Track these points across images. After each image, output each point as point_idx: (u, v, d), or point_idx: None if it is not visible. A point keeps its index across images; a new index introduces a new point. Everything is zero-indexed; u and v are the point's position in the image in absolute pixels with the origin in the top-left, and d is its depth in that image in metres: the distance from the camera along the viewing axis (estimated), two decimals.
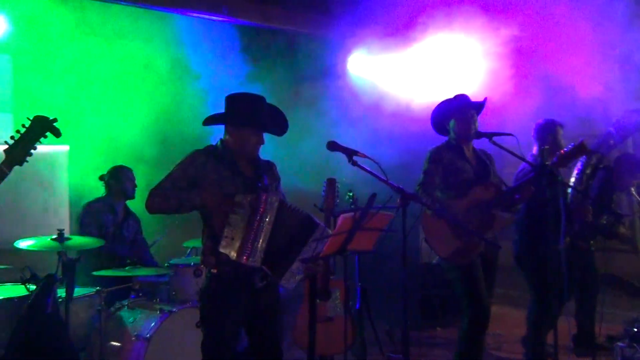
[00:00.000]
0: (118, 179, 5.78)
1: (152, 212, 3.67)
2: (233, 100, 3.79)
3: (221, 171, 3.69)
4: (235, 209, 3.53)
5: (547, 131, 5.41)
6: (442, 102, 4.91)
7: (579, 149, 4.64)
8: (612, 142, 5.62)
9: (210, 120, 3.81)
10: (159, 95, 7.01)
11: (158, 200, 3.63)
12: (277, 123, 3.84)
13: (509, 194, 4.74)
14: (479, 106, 4.86)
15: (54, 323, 4.36)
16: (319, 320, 4.78)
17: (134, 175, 5.89)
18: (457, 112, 4.81)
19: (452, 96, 4.93)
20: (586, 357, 5.50)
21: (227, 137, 3.79)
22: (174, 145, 6.52)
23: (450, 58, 6.44)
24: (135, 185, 5.83)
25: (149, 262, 5.78)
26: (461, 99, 4.87)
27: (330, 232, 3.72)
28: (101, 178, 5.88)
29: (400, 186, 3.57)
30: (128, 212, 5.86)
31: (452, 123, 4.83)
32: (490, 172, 4.90)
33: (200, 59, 7.23)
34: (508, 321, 5.69)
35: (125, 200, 5.85)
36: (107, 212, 5.69)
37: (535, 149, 5.41)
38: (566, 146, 4.69)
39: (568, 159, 4.66)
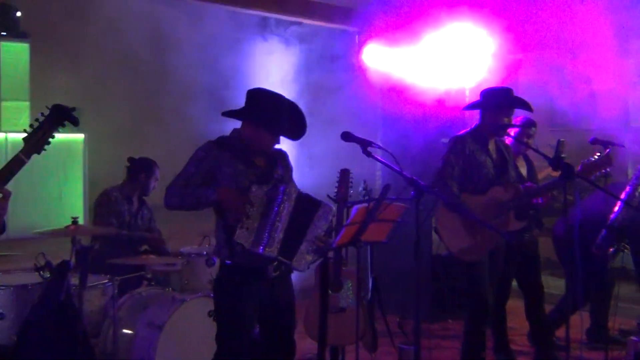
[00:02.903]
0: (149, 174, 5.74)
1: (170, 209, 3.69)
2: (253, 96, 3.76)
3: (236, 164, 3.68)
4: (252, 200, 3.53)
5: (522, 133, 5.39)
6: (493, 90, 4.83)
7: (606, 161, 4.57)
8: None
9: (228, 114, 3.80)
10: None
11: (175, 200, 3.64)
12: (295, 127, 3.78)
13: (529, 197, 4.69)
14: (519, 106, 4.78)
15: (67, 311, 4.38)
16: (330, 310, 4.79)
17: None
18: (502, 105, 4.71)
19: (501, 86, 4.87)
20: (599, 351, 5.47)
21: (243, 130, 3.78)
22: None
23: (463, 48, 6.40)
24: (155, 187, 5.78)
25: (163, 250, 5.80)
26: (509, 94, 4.76)
27: (333, 207, 3.73)
28: (130, 161, 5.78)
29: (414, 177, 3.55)
30: (142, 202, 5.88)
31: (489, 113, 4.73)
32: (509, 168, 4.86)
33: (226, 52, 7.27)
34: (523, 315, 5.69)
35: (142, 195, 5.85)
36: (123, 201, 5.70)
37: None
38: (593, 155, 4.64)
39: (593, 169, 4.59)
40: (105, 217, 5.56)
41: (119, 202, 5.66)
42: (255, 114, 3.70)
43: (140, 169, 5.73)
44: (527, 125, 5.41)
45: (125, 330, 4.79)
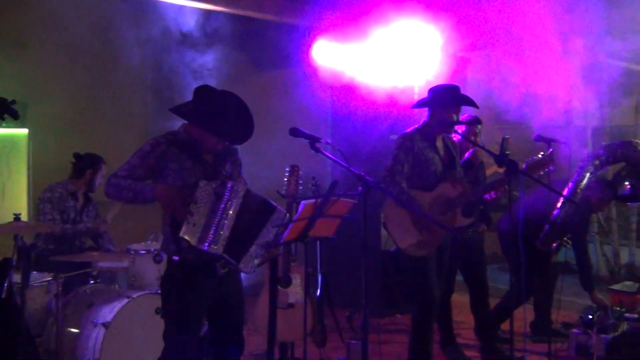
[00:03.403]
0: (95, 170, 5.61)
1: (110, 198, 3.66)
2: (200, 96, 3.68)
3: (183, 160, 3.63)
4: (198, 196, 3.50)
5: (469, 130, 5.50)
6: (440, 87, 4.86)
7: (549, 159, 4.69)
8: (597, 162, 5.67)
9: (175, 111, 3.74)
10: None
11: (113, 190, 3.60)
12: (241, 132, 3.72)
13: (478, 194, 4.77)
14: (465, 103, 4.84)
15: (9, 309, 4.29)
16: (279, 306, 4.79)
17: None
18: (449, 102, 4.74)
19: (449, 84, 4.91)
20: (542, 344, 5.60)
21: (190, 128, 3.71)
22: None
23: (412, 46, 6.46)
24: (101, 183, 5.64)
25: (109, 247, 5.71)
26: (457, 92, 4.80)
27: (288, 215, 3.72)
28: (75, 157, 5.65)
29: (362, 173, 3.57)
30: (87, 198, 5.76)
31: (437, 110, 4.76)
32: (456, 165, 4.93)
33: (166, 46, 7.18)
34: (468, 309, 5.79)
35: (87, 191, 5.73)
36: (68, 198, 5.58)
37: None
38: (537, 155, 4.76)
39: (537, 168, 4.71)
40: (49, 214, 5.45)
41: (63, 198, 5.54)
42: (200, 116, 3.63)
43: (86, 165, 5.62)
44: (473, 123, 5.50)
45: (69, 329, 4.70)
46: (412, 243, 4.68)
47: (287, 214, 3.76)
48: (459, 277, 5.78)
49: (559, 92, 5.99)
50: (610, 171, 6.17)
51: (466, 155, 5.34)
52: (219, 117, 3.61)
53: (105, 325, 4.48)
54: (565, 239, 5.61)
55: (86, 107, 6.83)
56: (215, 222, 3.51)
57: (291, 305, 4.94)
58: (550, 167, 4.76)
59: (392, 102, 6.69)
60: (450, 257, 5.00)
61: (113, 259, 5.19)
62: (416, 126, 4.87)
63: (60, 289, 4.70)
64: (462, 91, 4.85)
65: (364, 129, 7.08)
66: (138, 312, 4.63)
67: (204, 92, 3.70)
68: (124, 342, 4.55)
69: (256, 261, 3.63)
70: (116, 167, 3.67)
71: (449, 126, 4.79)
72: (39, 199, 5.56)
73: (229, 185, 3.55)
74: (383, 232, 5.98)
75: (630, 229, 8.89)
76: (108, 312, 4.56)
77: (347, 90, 6.81)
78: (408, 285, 5.00)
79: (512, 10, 5.91)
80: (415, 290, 4.82)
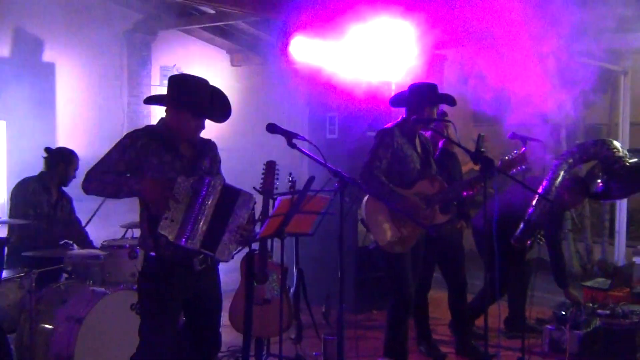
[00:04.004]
0: (67, 163, 5.55)
1: (89, 194, 3.61)
2: (176, 82, 3.70)
3: (162, 154, 3.61)
4: (177, 192, 3.48)
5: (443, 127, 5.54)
6: (419, 85, 4.89)
7: (522, 158, 4.75)
8: (571, 161, 5.72)
9: (150, 100, 3.73)
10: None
11: (95, 184, 3.55)
12: (219, 109, 3.74)
13: (456, 191, 4.80)
14: (443, 101, 4.88)
15: None
16: (255, 302, 4.78)
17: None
18: (428, 100, 4.77)
19: (427, 82, 4.94)
20: (516, 340, 5.65)
21: (168, 118, 3.71)
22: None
23: (389, 43, 6.47)
24: (74, 176, 5.60)
25: (85, 242, 5.65)
26: (434, 89, 4.84)
27: (253, 196, 3.72)
28: (47, 151, 5.59)
29: (338, 169, 3.57)
30: (61, 192, 5.70)
31: (415, 107, 4.77)
32: (431, 162, 4.95)
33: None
34: (445, 305, 5.83)
35: (60, 185, 5.67)
36: (41, 192, 5.52)
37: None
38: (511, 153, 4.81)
39: (511, 166, 4.76)
40: (22, 208, 5.38)
41: (37, 193, 5.48)
42: (177, 98, 3.64)
43: (58, 159, 5.57)
44: (443, 118, 5.50)
45: (43, 325, 4.66)
46: (391, 240, 4.69)
47: (253, 196, 3.75)
48: (437, 273, 5.80)
49: (534, 90, 6.04)
50: (584, 169, 6.24)
51: (440, 144, 5.38)
52: (196, 97, 3.62)
53: (80, 321, 4.44)
54: (539, 236, 5.66)
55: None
56: (193, 218, 3.50)
57: (267, 301, 4.94)
58: (524, 165, 4.82)
59: (370, 98, 6.69)
60: (426, 253, 5.03)
61: (87, 254, 5.14)
62: (395, 122, 4.88)
63: (33, 284, 4.66)
64: (439, 89, 4.88)
65: (342, 125, 7.09)
66: (113, 308, 4.59)
67: (178, 78, 3.73)
68: (99, 338, 4.52)
69: (232, 247, 3.62)
70: (91, 162, 3.64)
71: (425, 123, 4.81)
72: (12, 194, 5.50)
73: (206, 180, 3.54)
74: (360, 228, 6.00)
75: (603, 226, 9.02)
76: (82, 308, 4.52)
77: (325, 87, 6.79)
78: (384, 281, 5.02)
79: (488, 8, 5.95)
80: (392, 287, 4.84)
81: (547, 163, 5.63)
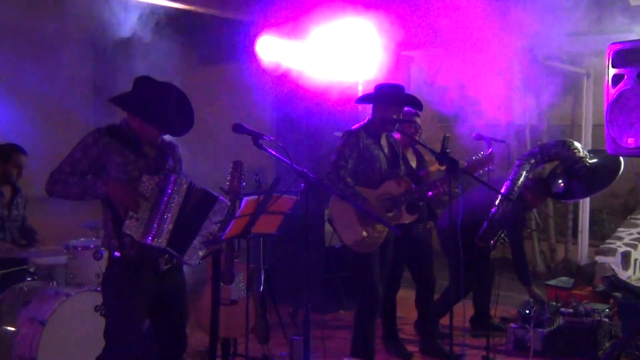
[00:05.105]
0: (6, 160, 5.27)
1: (52, 196, 3.54)
2: (140, 87, 3.63)
3: (126, 153, 3.57)
4: (143, 191, 3.45)
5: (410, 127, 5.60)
6: (385, 85, 4.91)
7: (488, 159, 4.81)
8: (533, 161, 5.80)
9: (114, 101, 3.68)
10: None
11: (59, 187, 3.50)
12: (181, 123, 3.68)
13: (421, 191, 4.84)
14: (409, 104, 4.93)
15: None
16: (222, 303, 4.77)
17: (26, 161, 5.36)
18: (393, 101, 4.80)
19: (394, 83, 4.96)
20: (481, 338, 5.72)
21: (130, 120, 3.65)
22: None
23: (356, 43, 6.49)
24: (21, 173, 5.37)
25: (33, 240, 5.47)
26: (401, 91, 4.86)
27: (228, 203, 3.71)
28: None
29: (304, 170, 3.58)
30: (15, 190, 5.44)
31: (381, 108, 4.81)
32: (399, 162, 4.99)
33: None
34: (411, 304, 5.88)
35: (3, 183, 5.38)
36: None
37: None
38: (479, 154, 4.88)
39: (478, 167, 4.81)
40: None
41: None
42: (139, 107, 3.58)
43: None
44: (410, 116, 5.55)
45: (5, 327, 4.59)
46: (358, 239, 4.72)
47: (229, 204, 3.74)
48: (405, 273, 5.84)
49: (498, 92, 6.12)
50: (547, 169, 6.33)
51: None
52: (159, 108, 3.57)
53: (43, 323, 4.38)
54: (502, 235, 5.74)
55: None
56: (159, 216, 3.47)
57: (234, 302, 4.93)
58: (491, 166, 4.88)
59: (337, 98, 6.71)
60: (396, 253, 5.06)
61: (51, 255, 5.06)
62: (361, 123, 4.92)
63: None
64: (406, 89, 4.92)
65: (308, 126, 7.10)
66: (77, 309, 4.55)
67: (144, 82, 3.64)
68: (62, 341, 4.47)
69: (200, 253, 3.61)
70: (53, 161, 3.58)
71: (392, 124, 4.85)
72: None
73: (172, 178, 3.52)
74: (327, 228, 6.02)
75: (566, 226, 9.16)
76: (45, 310, 4.46)
77: (292, 86, 6.80)
78: (352, 281, 5.04)
79: (452, 12, 6.01)
80: (359, 287, 4.86)
81: (510, 164, 5.71)
